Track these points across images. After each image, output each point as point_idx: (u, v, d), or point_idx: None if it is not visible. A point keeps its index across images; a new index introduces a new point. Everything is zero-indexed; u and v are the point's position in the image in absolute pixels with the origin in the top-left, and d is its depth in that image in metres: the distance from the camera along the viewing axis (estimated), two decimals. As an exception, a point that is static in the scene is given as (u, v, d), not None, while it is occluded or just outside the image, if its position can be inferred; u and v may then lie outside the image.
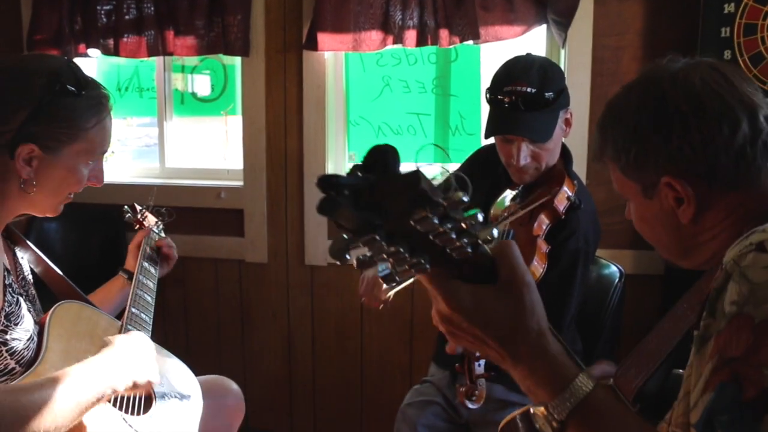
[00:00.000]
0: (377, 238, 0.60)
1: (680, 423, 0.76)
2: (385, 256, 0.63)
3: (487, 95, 1.78)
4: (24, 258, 1.48)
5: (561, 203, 1.70)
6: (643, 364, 0.95)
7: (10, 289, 1.29)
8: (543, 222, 1.71)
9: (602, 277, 2.07)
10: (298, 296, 2.91)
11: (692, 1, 2.33)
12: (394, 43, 2.56)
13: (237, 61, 2.92)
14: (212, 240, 2.93)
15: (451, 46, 2.55)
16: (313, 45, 2.61)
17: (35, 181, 1.29)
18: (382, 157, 0.60)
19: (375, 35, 2.56)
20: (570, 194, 1.72)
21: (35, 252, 1.51)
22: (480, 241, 0.69)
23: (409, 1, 2.50)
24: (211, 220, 2.93)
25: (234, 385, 1.81)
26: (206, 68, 3.11)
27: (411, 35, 2.52)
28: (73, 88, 1.30)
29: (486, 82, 2.75)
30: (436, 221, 0.61)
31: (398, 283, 0.68)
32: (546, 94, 1.68)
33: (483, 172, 1.93)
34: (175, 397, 1.48)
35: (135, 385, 1.27)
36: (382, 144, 0.60)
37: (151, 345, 1.38)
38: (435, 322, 0.81)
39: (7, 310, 1.26)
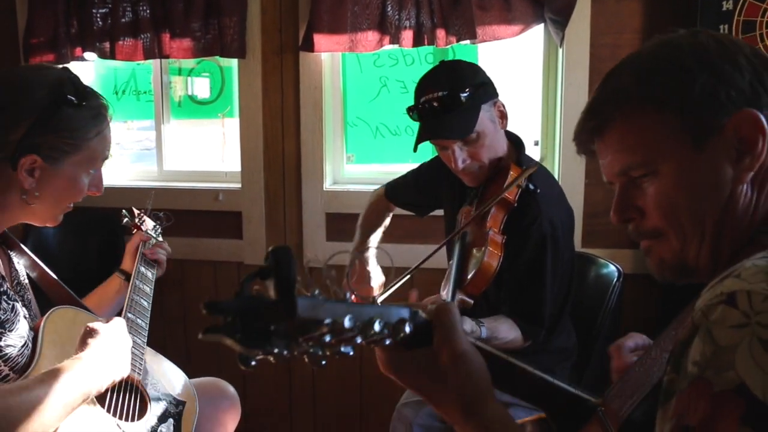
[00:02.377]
0: (276, 351, 0.62)
1: None
2: (298, 354, 0.65)
3: (407, 111, 1.80)
4: (20, 263, 1.48)
5: (511, 192, 1.69)
6: (627, 394, 0.88)
7: (5, 296, 1.29)
8: (496, 215, 1.71)
9: (600, 277, 2.07)
10: (297, 298, 2.89)
11: (690, -1, 2.32)
12: (391, 43, 2.55)
13: (234, 63, 2.91)
14: (211, 242, 2.92)
15: (448, 46, 2.54)
16: (309, 46, 2.60)
17: (37, 191, 1.31)
18: (276, 264, 0.61)
19: (372, 36, 2.56)
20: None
21: (31, 257, 1.51)
22: (399, 336, 0.71)
23: (405, 2, 2.49)
24: (209, 223, 2.93)
25: (230, 388, 1.80)
26: (203, 71, 3.11)
27: (408, 35, 2.52)
28: (74, 99, 1.31)
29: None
30: (327, 339, 0.63)
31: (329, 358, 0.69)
32: (461, 94, 1.69)
33: (442, 178, 1.95)
34: (170, 402, 1.48)
35: (115, 382, 1.29)
36: (278, 247, 0.62)
37: (126, 334, 1.38)
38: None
39: (2, 317, 1.26)
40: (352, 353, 0.67)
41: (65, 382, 1.17)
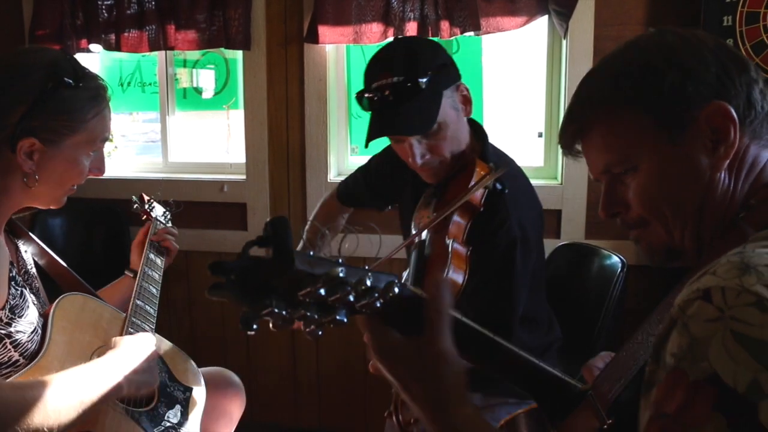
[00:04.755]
0: (276, 310, 0.65)
1: None
2: (296, 319, 0.68)
3: (356, 98, 1.55)
4: (27, 251, 1.48)
5: (476, 195, 1.47)
6: (615, 378, 0.92)
7: (14, 282, 1.30)
8: (458, 223, 1.47)
9: (604, 268, 2.07)
10: (301, 289, 2.91)
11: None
12: (396, 35, 2.55)
13: (239, 55, 2.92)
14: (215, 234, 2.94)
15: (452, 38, 2.54)
16: (314, 38, 2.61)
17: (38, 174, 1.30)
18: (273, 232, 0.64)
19: (376, 27, 2.56)
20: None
21: (39, 244, 1.52)
22: (388, 295, 0.73)
23: (409, -7, 2.50)
24: (214, 214, 2.94)
25: (235, 377, 1.82)
26: (208, 62, 3.12)
27: (412, 27, 2.52)
28: (71, 81, 1.30)
29: (488, 73, 2.76)
30: (322, 293, 0.66)
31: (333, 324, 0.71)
32: (419, 79, 1.44)
33: (396, 172, 1.72)
34: (178, 388, 1.49)
35: (138, 390, 1.30)
36: (276, 217, 0.65)
37: (153, 348, 1.38)
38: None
39: (12, 302, 1.27)
40: (345, 320, 0.70)
41: (85, 380, 1.18)
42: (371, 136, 1.53)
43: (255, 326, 0.65)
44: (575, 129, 0.95)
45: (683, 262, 0.92)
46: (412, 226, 1.61)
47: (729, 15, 2.23)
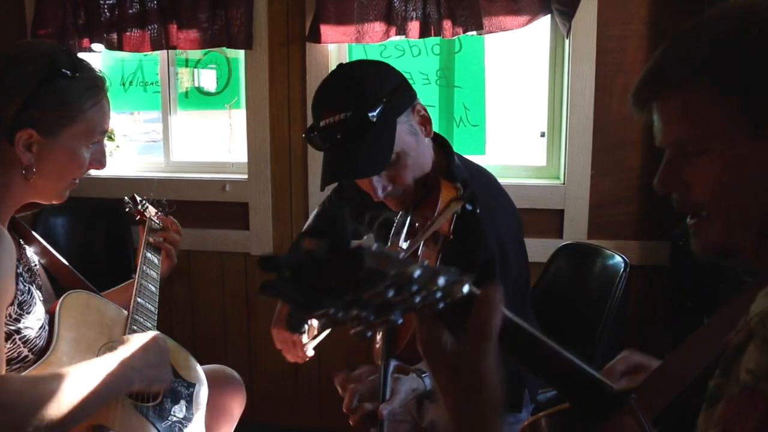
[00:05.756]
0: (331, 312, 0.58)
1: None
2: (349, 320, 0.61)
3: (305, 138, 1.46)
4: (30, 249, 1.49)
5: (444, 223, 1.35)
6: (663, 387, 0.84)
7: (21, 278, 1.30)
8: (428, 253, 1.35)
9: (607, 268, 2.06)
10: (303, 289, 2.90)
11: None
12: (398, 34, 2.56)
13: (241, 54, 2.92)
14: (217, 233, 2.94)
15: (455, 37, 2.54)
16: (316, 37, 2.61)
17: (37, 166, 1.30)
18: (331, 226, 0.56)
19: (378, 27, 2.56)
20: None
21: (41, 243, 1.52)
22: (457, 296, 0.69)
23: (412, -7, 2.50)
24: (216, 214, 2.94)
25: (235, 374, 1.82)
26: (210, 62, 3.12)
27: (414, 26, 2.52)
28: (68, 71, 1.30)
29: (490, 72, 2.76)
30: (391, 294, 0.59)
31: (369, 334, 0.64)
32: (369, 113, 1.34)
33: (364, 199, 1.58)
34: (182, 384, 1.50)
35: (150, 385, 1.30)
36: (332, 209, 0.59)
37: (164, 346, 1.39)
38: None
39: (20, 298, 1.27)
40: (401, 321, 0.63)
41: (98, 375, 1.19)
42: (325, 180, 1.43)
43: (306, 326, 0.60)
44: (654, 89, 0.84)
45: (738, 264, 0.82)
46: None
47: (732, 14, 2.22)
